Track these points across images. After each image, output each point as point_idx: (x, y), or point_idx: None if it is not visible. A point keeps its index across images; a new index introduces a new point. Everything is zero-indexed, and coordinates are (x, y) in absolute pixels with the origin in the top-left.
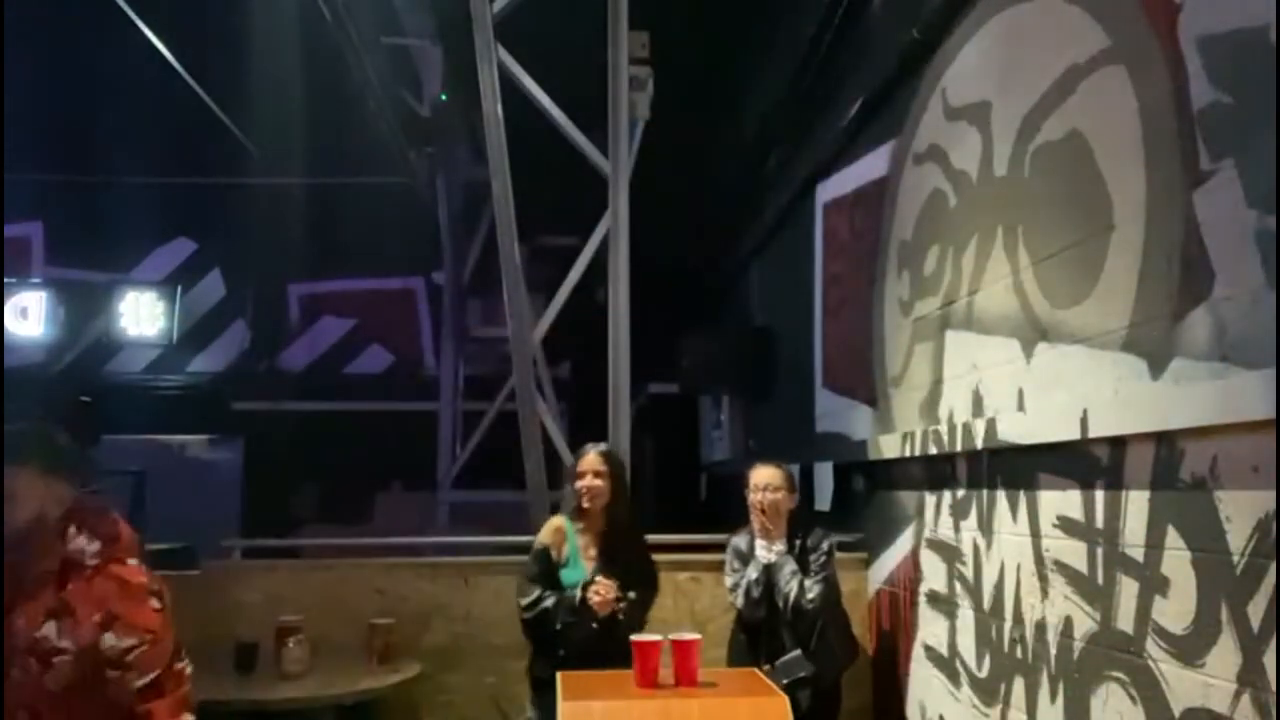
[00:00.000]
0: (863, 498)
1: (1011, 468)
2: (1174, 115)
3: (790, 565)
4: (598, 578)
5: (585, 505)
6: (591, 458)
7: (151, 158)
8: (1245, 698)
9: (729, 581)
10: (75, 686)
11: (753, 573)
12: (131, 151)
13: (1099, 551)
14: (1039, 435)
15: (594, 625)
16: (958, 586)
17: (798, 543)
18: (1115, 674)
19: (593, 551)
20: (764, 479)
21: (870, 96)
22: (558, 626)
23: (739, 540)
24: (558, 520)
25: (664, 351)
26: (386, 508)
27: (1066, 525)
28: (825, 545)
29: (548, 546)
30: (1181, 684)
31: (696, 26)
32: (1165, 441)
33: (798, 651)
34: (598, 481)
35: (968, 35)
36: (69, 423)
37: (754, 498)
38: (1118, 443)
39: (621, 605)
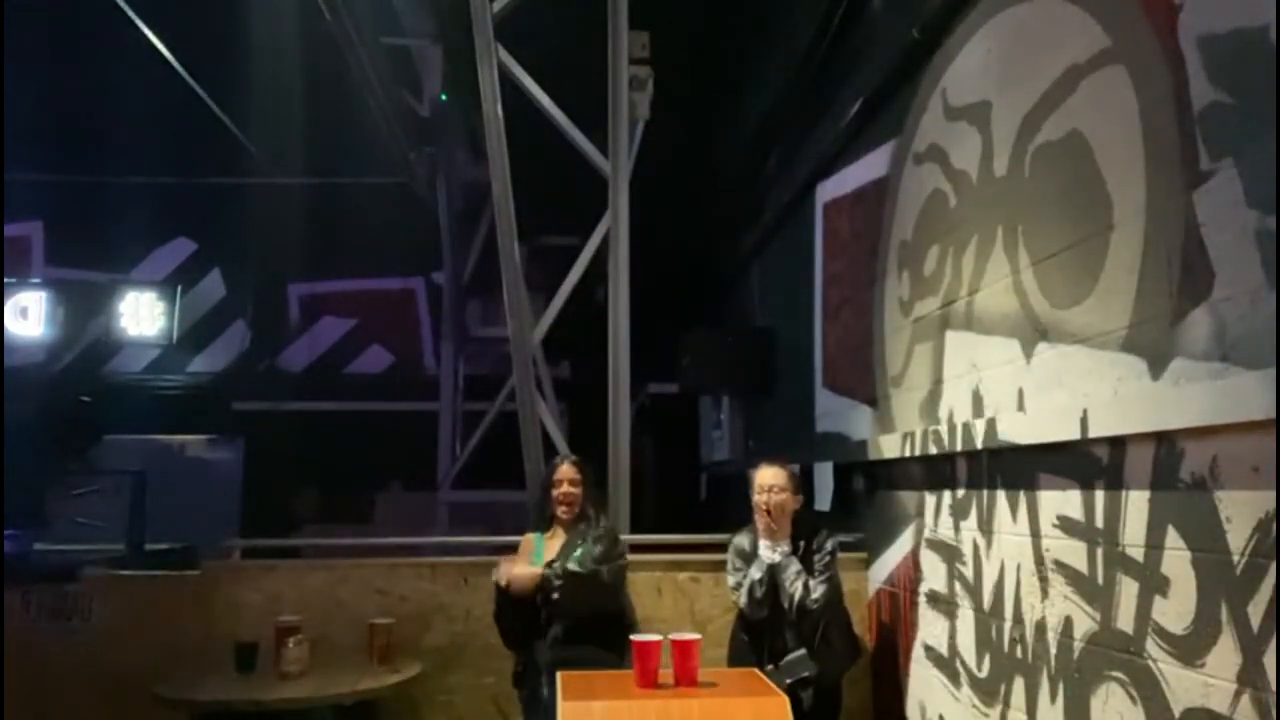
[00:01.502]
0: (863, 498)
1: (1011, 468)
2: (1174, 115)
3: (795, 566)
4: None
5: (564, 516)
6: (566, 468)
7: (151, 158)
8: (1245, 698)
9: (731, 581)
10: None
11: (756, 572)
12: (131, 151)
13: (1099, 551)
14: (1039, 435)
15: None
16: (958, 586)
17: (801, 543)
18: (1115, 674)
19: (556, 545)
20: (768, 480)
21: (870, 96)
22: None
23: (741, 540)
24: (526, 539)
25: (664, 351)
26: (386, 508)
27: (1066, 525)
28: (829, 546)
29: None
30: (1181, 684)
31: (696, 26)
32: (1165, 441)
33: (801, 651)
34: (574, 490)
35: (968, 35)
36: (69, 423)
37: (758, 498)
38: (1118, 443)
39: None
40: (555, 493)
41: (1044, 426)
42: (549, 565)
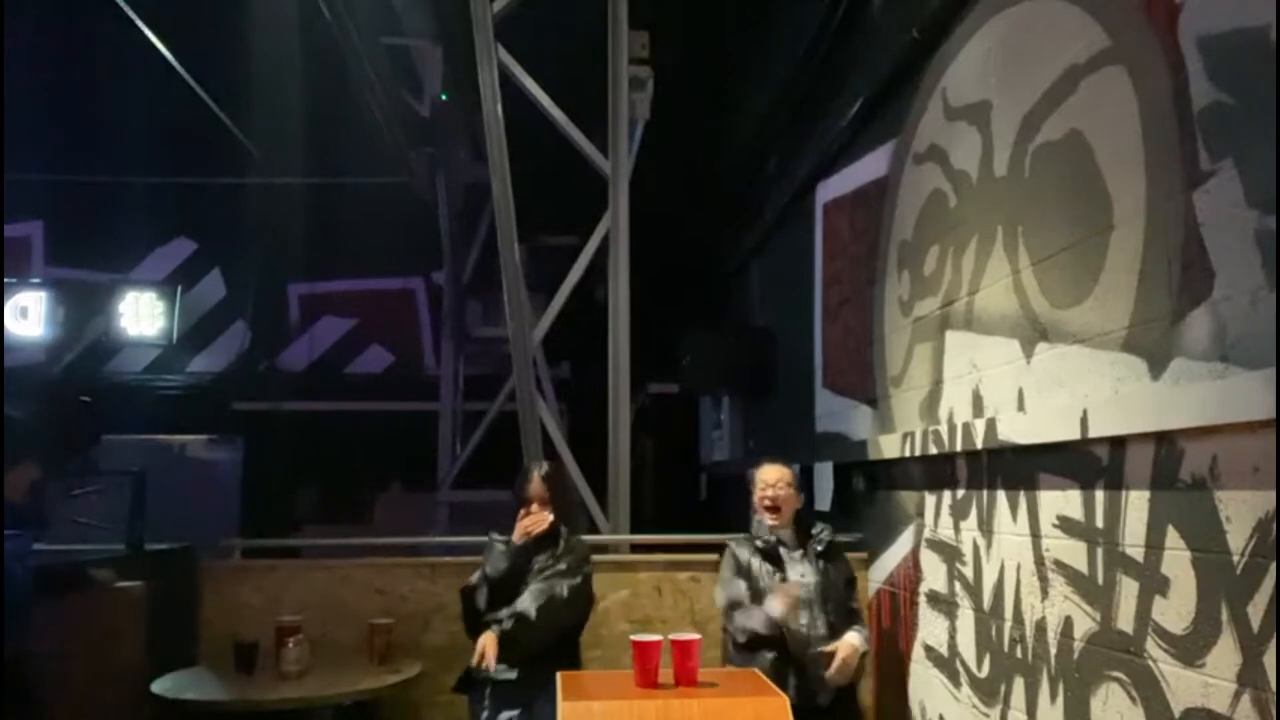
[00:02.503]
0: (863, 498)
1: (1011, 468)
2: (1174, 115)
3: (863, 641)
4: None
5: (530, 535)
6: (536, 486)
7: (151, 158)
8: (1245, 698)
9: (721, 598)
10: None
11: (761, 628)
12: (131, 151)
13: (1099, 551)
14: (1039, 435)
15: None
16: (958, 586)
17: (820, 543)
18: (1115, 674)
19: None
20: (773, 477)
21: (870, 96)
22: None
23: (741, 550)
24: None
25: (664, 351)
26: (386, 508)
27: (1066, 525)
28: (825, 535)
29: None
30: (1181, 684)
31: (696, 26)
32: (1165, 441)
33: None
34: (544, 511)
35: (968, 35)
36: (69, 423)
37: (762, 494)
38: (1118, 443)
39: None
40: (528, 519)
41: (1044, 426)
42: (499, 623)
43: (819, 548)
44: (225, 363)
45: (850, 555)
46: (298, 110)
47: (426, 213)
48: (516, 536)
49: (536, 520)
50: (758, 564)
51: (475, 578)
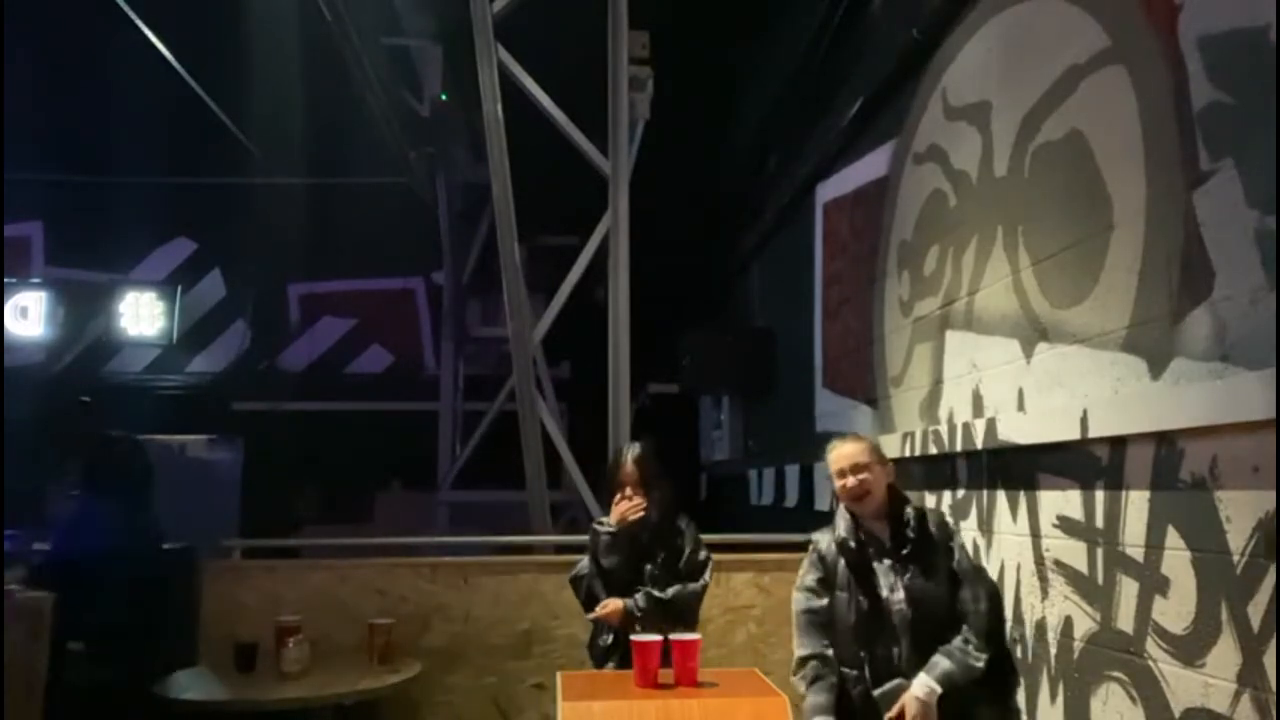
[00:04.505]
0: None
1: (1011, 468)
2: (1174, 115)
3: (959, 665)
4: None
5: (628, 520)
6: (629, 469)
7: (151, 158)
8: (1245, 698)
9: (800, 601)
10: None
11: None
12: (131, 151)
13: (1099, 551)
14: (1039, 435)
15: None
16: None
17: (910, 528)
18: (1115, 674)
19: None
20: (846, 459)
21: (870, 96)
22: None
23: (821, 540)
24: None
25: (664, 351)
26: (386, 508)
27: (1066, 525)
28: (955, 540)
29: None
30: (1181, 684)
31: (696, 26)
32: (1165, 441)
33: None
34: (638, 498)
35: (968, 35)
36: (69, 423)
37: (840, 484)
38: (1118, 443)
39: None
40: (623, 505)
41: (1044, 426)
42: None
43: (904, 550)
44: (225, 363)
45: None
46: (298, 110)
47: (426, 213)
48: (614, 519)
49: (634, 506)
50: (844, 572)
51: (583, 567)
